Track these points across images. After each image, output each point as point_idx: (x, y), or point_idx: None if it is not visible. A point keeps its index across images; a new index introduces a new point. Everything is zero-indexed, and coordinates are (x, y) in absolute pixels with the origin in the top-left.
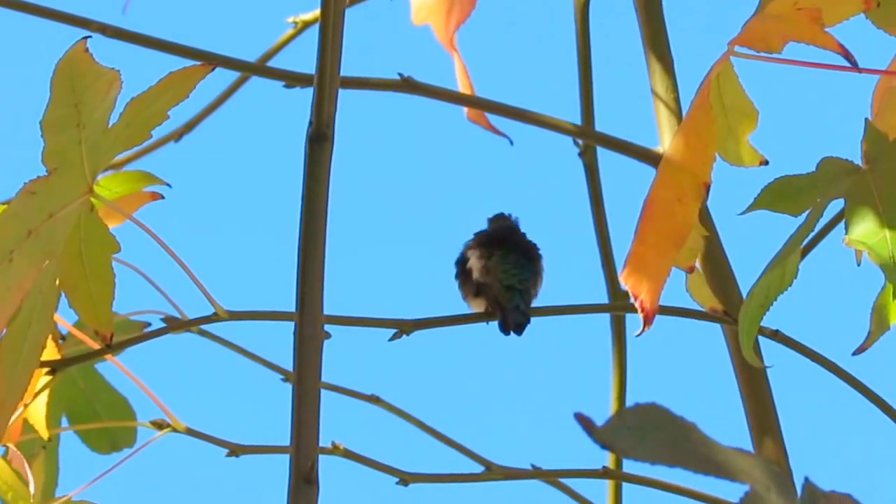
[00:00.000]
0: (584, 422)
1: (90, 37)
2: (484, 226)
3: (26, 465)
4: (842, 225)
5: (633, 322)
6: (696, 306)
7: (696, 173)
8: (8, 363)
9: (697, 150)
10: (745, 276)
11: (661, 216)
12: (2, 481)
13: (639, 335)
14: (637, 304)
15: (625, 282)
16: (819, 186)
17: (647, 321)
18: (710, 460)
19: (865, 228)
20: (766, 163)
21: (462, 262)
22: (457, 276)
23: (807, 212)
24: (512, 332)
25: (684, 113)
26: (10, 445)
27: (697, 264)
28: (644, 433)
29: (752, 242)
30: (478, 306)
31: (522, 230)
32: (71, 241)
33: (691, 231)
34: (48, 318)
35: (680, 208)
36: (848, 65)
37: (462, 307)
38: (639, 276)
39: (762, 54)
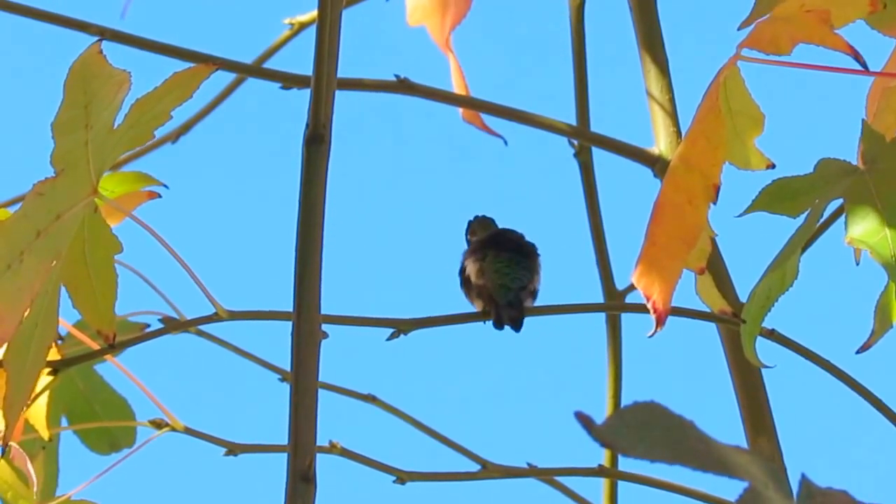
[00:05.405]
0: (584, 420)
1: (102, 38)
2: (464, 227)
3: (29, 464)
4: (834, 225)
5: (629, 321)
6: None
7: (706, 175)
8: (16, 364)
9: (707, 153)
10: (740, 278)
11: (671, 218)
12: (1, 480)
13: (651, 336)
14: (650, 306)
15: (637, 283)
16: (817, 188)
17: (660, 322)
18: (709, 458)
19: (866, 228)
20: (773, 166)
21: (462, 271)
22: (461, 286)
23: (805, 213)
24: (509, 328)
25: (680, 114)
26: (13, 444)
27: None
28: (643, 431)
29: (747, 244)
30: (481, 307)
31: (519, 231)
32: (75, 241)
33: (702, 232)
34: (53, 318)
35: (690, 210)
36: (857, 67)
37: (459, 307)
38: (651, 277)
39: (771, 57)
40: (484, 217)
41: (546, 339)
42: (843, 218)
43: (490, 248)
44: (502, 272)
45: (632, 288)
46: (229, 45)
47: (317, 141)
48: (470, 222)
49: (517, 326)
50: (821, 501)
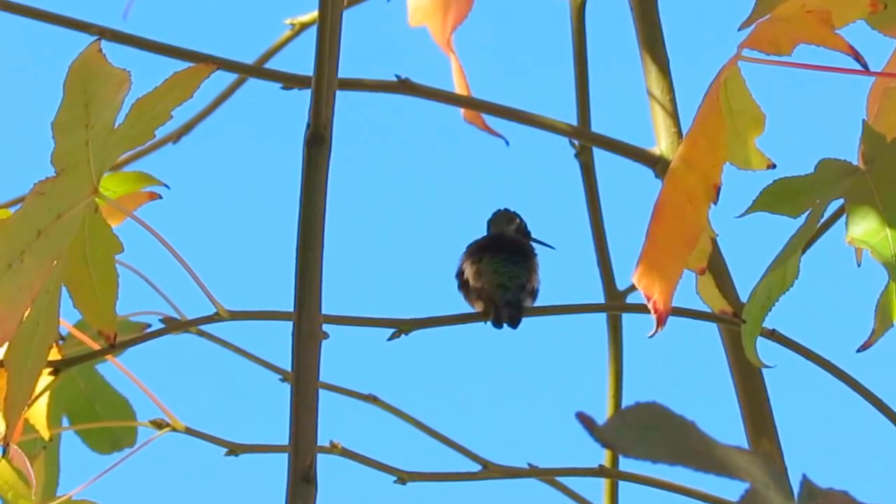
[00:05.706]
0: (585, 421)
1: (102, 38)
2: (486, 223)
3: (28, 464)
4: (835, 225)
5: (630, 322)
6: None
7: (706, 175)
8: (17, 364)
9: (707, 153)
10: (741, 278)
11: (672, 218)
12: (2, 481)
13: (651, 336)
14: (650, 305)
15: (637, 283)
16: (818, 188)
17: (661, 322)
18: (711, 458)
19: (867, 228)
20: (774, 166)
21: (460, 274)
22: (459, 288)
23: (806, 213)
24: (507, 326)
25: (681, 114)
26: (13, 444)
27: None
28: (645, 432)
29: (747, 244)
30: (481, 308)
31: (526, 228)
32: (76, 241)
33: (702, 233)
34: (54, 318)
35: (691, 210)
36: (857, 67)
37: (459, 307)
38: (651, 277)
39: (771, 57)
40: (506, 210)
41: (546, 339)
42: (843, 218)
43: (487, 250)
44: (500, 272)
45: (632, 288)
46: (230, 45)
47: (318, 141)
48: (489, 220)
49: (514, 323)
50: (822, 502)
